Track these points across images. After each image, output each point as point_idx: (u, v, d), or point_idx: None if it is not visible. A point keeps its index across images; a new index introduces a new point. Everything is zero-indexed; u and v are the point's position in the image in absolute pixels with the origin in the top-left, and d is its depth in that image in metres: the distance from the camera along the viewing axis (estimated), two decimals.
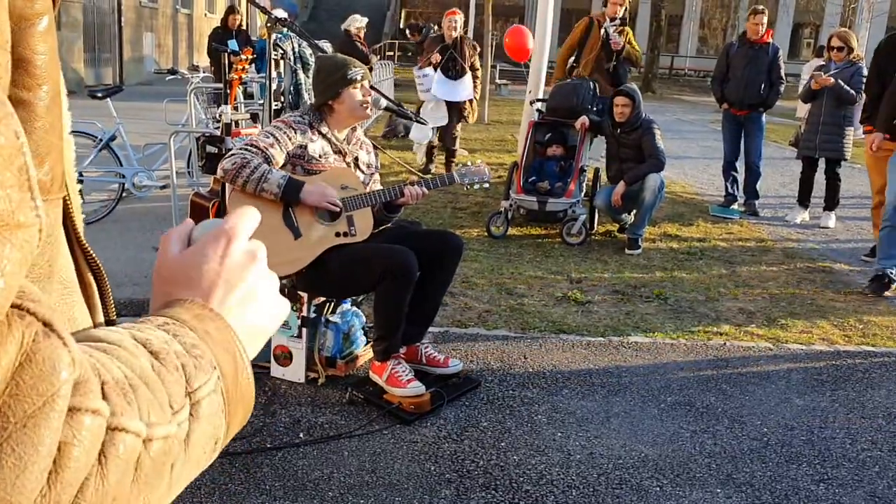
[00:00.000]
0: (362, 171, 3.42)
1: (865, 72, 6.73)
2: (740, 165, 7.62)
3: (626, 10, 7.15)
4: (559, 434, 3.09)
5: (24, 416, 0.41)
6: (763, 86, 7.23)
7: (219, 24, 11.27)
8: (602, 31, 7.03)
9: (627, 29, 7.19)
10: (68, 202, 0.58)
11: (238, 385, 0.56)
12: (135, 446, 0.47)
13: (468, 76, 8.12)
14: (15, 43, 0.47)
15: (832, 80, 6.65)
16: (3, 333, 0.41)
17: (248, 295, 0.61)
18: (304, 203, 3.12)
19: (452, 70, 8.09)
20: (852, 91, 6.63)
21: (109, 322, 0.62)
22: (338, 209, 3.17)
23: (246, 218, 0.63)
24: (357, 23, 9.76)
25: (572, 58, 7.35)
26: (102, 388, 0.46)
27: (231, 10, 11.19)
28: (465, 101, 8.20)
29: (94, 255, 0.60)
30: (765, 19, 7.25)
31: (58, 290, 0.55)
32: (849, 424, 3.30)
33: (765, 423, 3.28)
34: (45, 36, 0.50)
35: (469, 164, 3.64)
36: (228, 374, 0.55)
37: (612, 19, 7.03)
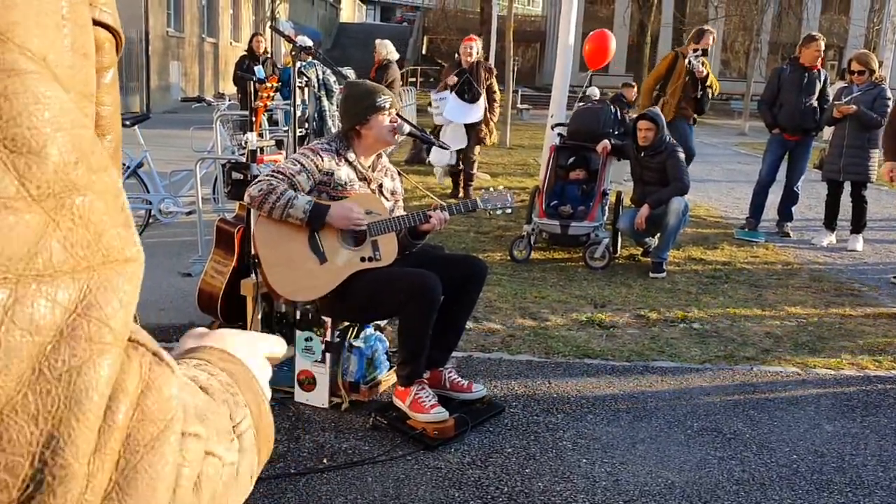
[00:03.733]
0: (386, 198, 3.45)
1: (889, 93, 6.68)
2: (775, 189, 7.56)
3: (712, 43, 7.77)
4: (584, 460, 3.06)
5: (151, 440, 0.44)
6: (816, 111, 7.22)
7: (245, 52, 11.44)
8: (686, 61, 7.56)
9: (705, 59, 7.69)
10: None
11: (262, 422, 0.60)
12: (219, 469, 0.50)
13: (482, 100, 8.22)
14: None
15: (853, 108, 6.60)
16: (126, 363, 0.44)
17: (250, 340, 0.66)
18: (330, 226, 3.15)
19: (468, 94, 8.21)
20: (875, 115, 6.57)
21: None
22: (363, 227, 3.20)
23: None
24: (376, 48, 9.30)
25: (657, 88, 7.91)
26: None
27: (254, 34, 11.36)
28: (480, 124, 8.28)
29: None
30: (822, 45, 7.23)
31: None
32: (881, 451, 3.24)
33: (794, 450, 3.22)
34: (111, 88, 0.53)
35: (492, 189, 3.65)
36: (254, 412, 0.59)
37: (695, 50, 7.59)
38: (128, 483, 0.43)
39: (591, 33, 7.76)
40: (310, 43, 6.27)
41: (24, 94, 0.40)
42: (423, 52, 41.82)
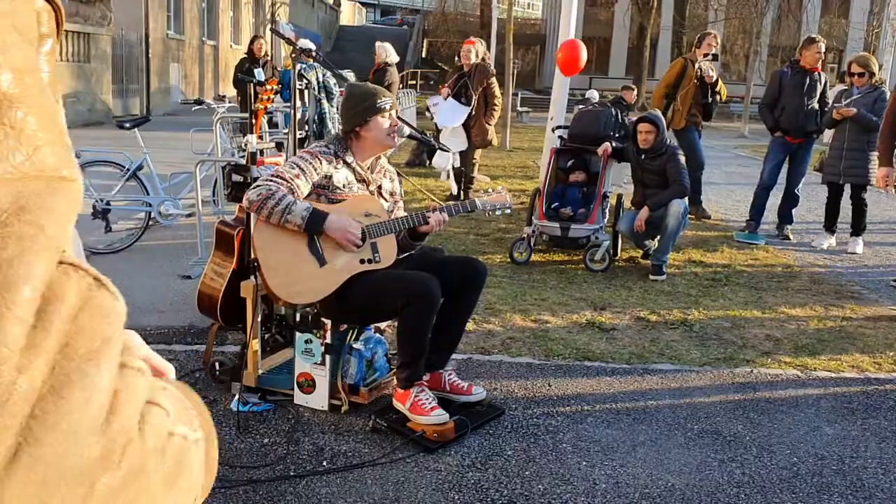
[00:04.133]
0: (385, 200, 3.45)
1: (888, 96, 6.67)
2: (775, 192, 7.56)
3: (716, 46, 7.94)
4: (584, 463, 3.06)
5: (88, 352, 0.46)
6: (817, 114, 7.23)
7: (245, 55, 11.43)
8: (696, 67, 7.72)
9: (711, 64, 7.86)
10: None
11: (210, 453, 0.60)
12: (164, 424, 0.52)
13: (470, 106, 8.25)
14: None
15: (853, 110, 6.60)
16: (64, 278, 0.46)
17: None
18: (326, 235, 3.15)
19: (464, 97, 8.27)
20: (875, 118, 6.57)
21: None
22: (357, 247, 3.18)
23: None
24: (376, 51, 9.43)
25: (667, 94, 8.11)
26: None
27: (255, 37, 11.36)
28: (474, 127, 8.28)
29: None
30: (823, 47, 7.23)
31: None
32: (881, 454, 3.24)
33: (794, 453, 3.22)
34: (49, 56, 0.54)
35: (490, 190, 3.65)
36: (209, 438, 0.60)
37: (705, 55, 7.74)
38: (62, 385, 0.44)
39: (563, 42, 7.65)
40: (312, 46, 6.26)
41: None
42: (423, 55, 41.87)
